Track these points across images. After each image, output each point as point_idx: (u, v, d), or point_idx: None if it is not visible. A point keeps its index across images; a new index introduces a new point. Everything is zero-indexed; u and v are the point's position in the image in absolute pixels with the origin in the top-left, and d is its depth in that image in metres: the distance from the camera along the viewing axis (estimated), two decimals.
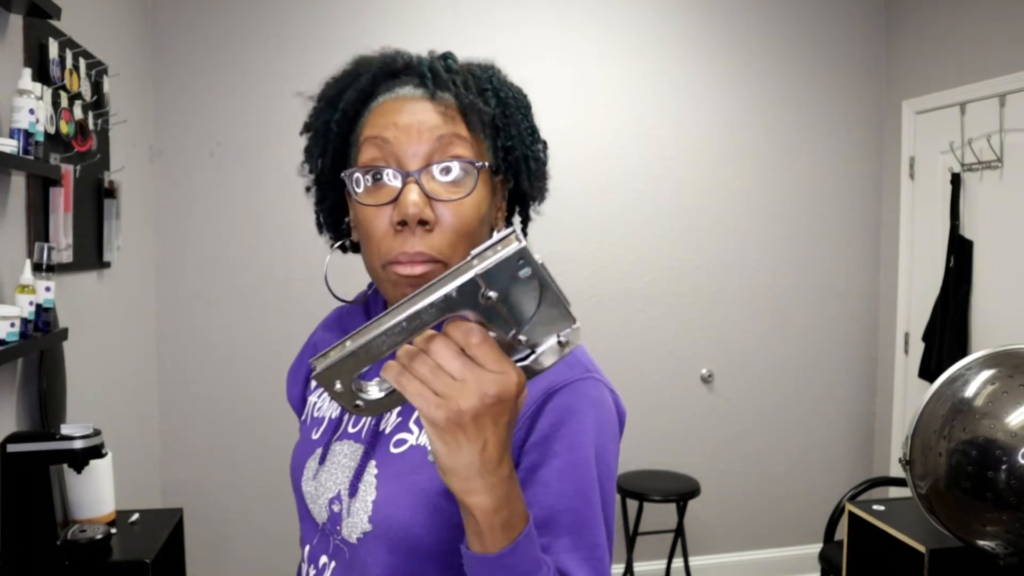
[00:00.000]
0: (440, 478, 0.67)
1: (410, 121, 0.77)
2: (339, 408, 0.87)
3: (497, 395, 0.57)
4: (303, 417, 0.96)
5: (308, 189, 0.90)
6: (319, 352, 0.61)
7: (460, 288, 0.55)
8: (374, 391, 0.63)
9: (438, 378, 0.58)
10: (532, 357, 0.60)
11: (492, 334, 0.58)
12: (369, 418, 0.82)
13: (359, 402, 0.62)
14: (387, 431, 0.82)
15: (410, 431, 0.81)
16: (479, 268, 0.54)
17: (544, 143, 0.90)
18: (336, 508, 0.81)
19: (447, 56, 0.86)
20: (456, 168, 0.77)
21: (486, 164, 0.80)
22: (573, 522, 0.73)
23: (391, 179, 0.77)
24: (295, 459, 0.90)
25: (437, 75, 0.81)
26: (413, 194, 0.75)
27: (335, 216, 0.91)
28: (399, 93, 0.80)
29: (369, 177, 0.78)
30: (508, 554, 0.64)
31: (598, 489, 0.75)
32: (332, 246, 0.92)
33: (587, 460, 0.75)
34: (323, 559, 0.84)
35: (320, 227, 0.93)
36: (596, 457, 0.76)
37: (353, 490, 0.80)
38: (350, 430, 0.85)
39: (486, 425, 0.58)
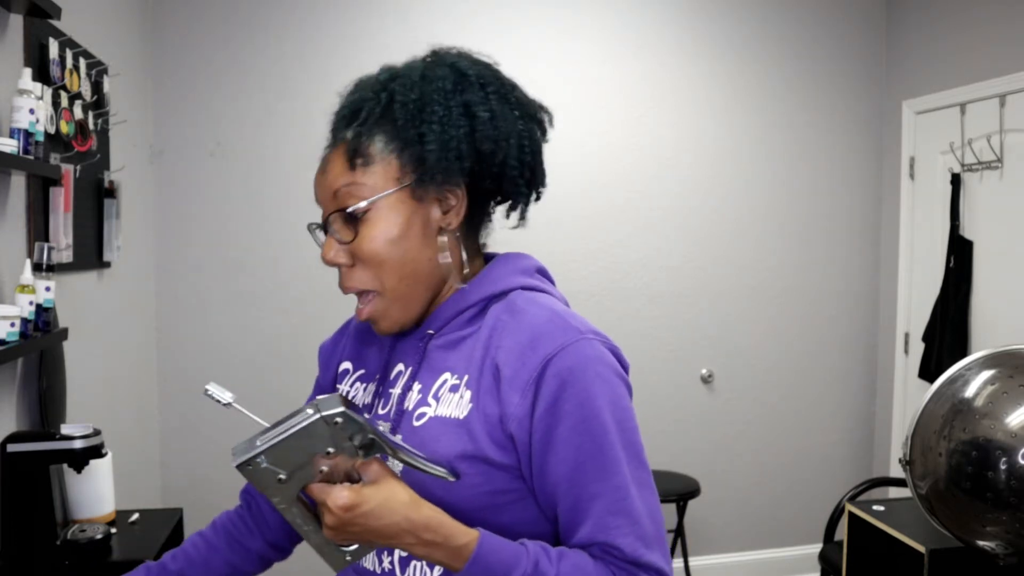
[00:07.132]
0: (458, 443, 0.83)
1: (317, 178, 0.90)
2: (371, 394, 0.96)
3: (336, 507, 0.77)
4: None
5: None
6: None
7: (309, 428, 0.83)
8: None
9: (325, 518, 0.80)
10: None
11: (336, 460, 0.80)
12: (395, 399, 0.92)
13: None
14: (410, 408, 0.89)
15: (428, 404, 0.88)
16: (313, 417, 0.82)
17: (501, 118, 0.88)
18: None
19: (385, 78, 0.89)
20: (337, 223, 0.87)
21: (363, 203, 0.85)
22: (596, 469, 0.82)
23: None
24: None
25: (337, 123, 0.90)
26: (328, 244, 0.89)
27: None
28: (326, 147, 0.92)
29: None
30: (472, 569, 0.78)
31: (615, 435, 0.83)
32: None
33: (598, 412, 0.82)
34: None
35: None
36: (611, 405, 0.83)
37: None
38: (379, 412, 0.93)
39: (356, 527, 0.78)
